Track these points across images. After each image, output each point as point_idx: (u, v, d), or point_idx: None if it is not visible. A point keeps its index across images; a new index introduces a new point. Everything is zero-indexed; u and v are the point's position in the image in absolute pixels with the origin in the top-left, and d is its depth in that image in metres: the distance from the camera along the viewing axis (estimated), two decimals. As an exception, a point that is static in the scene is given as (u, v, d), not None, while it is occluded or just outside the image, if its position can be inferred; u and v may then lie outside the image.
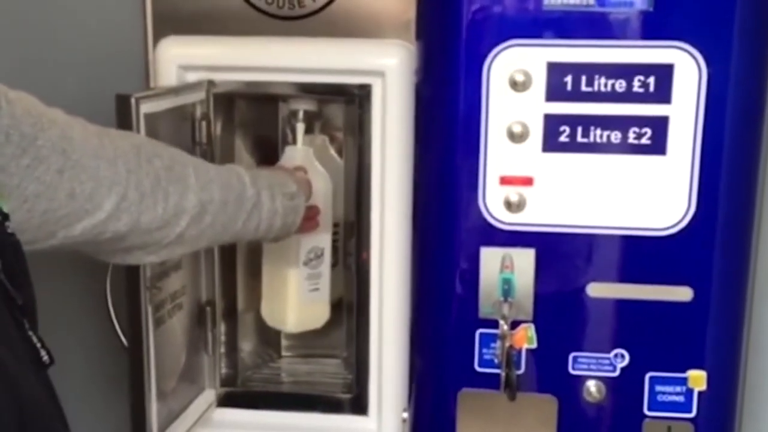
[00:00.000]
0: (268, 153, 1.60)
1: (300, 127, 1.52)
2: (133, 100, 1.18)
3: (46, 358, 0.85)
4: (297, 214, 1.34)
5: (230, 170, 1.26)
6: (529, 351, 1.41)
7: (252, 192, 1.24)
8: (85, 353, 1.77)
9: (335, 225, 1.58)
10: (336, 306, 1.61)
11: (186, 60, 1.45)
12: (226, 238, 1.27)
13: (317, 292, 1.55)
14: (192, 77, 1.44)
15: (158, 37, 1.51)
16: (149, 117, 1.21)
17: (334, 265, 1.58)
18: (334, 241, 1.58)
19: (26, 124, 0.90)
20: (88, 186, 0.97)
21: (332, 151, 1.62)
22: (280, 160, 1.53)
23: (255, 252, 1.58)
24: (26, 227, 0.91)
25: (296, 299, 1.54)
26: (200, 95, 1.43)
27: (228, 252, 1.56)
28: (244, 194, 1.23)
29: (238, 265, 1.61)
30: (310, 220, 1.42)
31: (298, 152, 1.52)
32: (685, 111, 1.31)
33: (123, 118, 1.17)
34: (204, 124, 1.42)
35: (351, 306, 1.58)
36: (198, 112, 1.42)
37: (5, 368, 0.77)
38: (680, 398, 1.39)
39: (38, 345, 0.84)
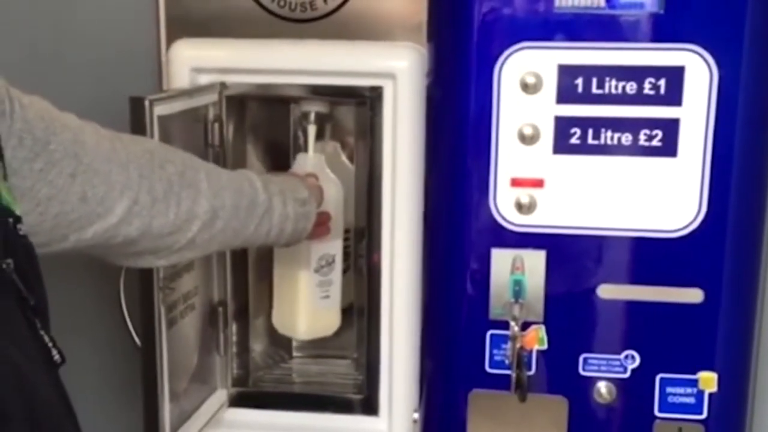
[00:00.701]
0: (279, 156, 1.61)
1: (311, 129, 1.52)
2: (146, 103, 1.18)
3: (57, 357, 0.85)
4: (308, 219, 1.34)
5: (242, 175, 1.26)
6: (540, 352, 1.41)
7: (264, 197, 1.24)
8: (98, 353, 1.77)
9: (346, 231, 1.58)
10: (347, 307, 1.61)
11: (198, 62, 1.45)
12: (237, 243, 1.27)
13: (328, 300, 1.55)
14: (204, 80, 1.45)
15: (171, 39, 1.51)
16: (163, 119, 1.21)
17: (345, 270, 1.58)
18: (345, 247, 1.58)
19: (39, 128, 0.91)
20: (100, 190, 0.97)
21: (344, 158, 1.62)
22: (292, 168, 1.54)
23: (266, 254, 1.58)
24: (39, 230, 0.91)
25: (307, 306, 1.54)
26: (213, 97, 1.43)
27: (240, 253, 1.56)
28: (255, 199, 1.23)
29: (249, 265, 1.61)
30: (321, 225, 1.41)
31: (310, 159, 1.52)
32: (696, 113, 1.30)
33: (137, 120, 1.17)
34: (216, 126, 1.43)
35: (362, 307, 1.58)
36: (210, 114, 1.43)
37: (18, 368, 0.78)
38: (691, 400, 1.39)
39: (50, 344, 0.85)
